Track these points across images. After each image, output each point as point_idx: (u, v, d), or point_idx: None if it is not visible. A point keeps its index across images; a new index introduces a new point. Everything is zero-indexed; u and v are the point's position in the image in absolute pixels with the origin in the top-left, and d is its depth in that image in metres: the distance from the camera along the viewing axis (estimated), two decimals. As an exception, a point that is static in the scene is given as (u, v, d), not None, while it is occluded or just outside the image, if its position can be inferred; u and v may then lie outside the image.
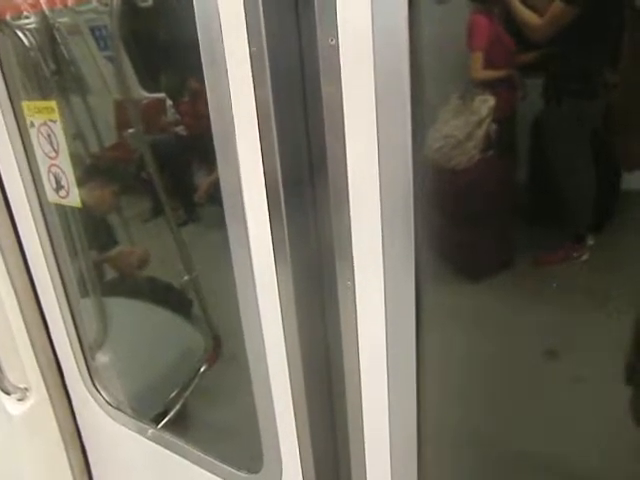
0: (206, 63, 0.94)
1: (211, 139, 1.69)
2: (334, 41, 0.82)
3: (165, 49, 1.57)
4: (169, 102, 1.84)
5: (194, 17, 1.13)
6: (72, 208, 1.52)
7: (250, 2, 0.84)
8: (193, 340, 1.82)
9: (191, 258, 1.81)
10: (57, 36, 1.43)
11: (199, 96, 1.73)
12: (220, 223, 1.84)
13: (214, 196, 1.74)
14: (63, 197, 1.41)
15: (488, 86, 1.00)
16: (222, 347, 1.79)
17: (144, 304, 1.87)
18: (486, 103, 1.00)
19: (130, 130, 1.73)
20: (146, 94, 1.72)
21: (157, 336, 1.82)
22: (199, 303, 1.81)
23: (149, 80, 1.72)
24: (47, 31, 1.40)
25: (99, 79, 1.67)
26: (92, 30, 1.52)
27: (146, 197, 1.94)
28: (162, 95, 1.80)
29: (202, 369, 1.76)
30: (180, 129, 1.95)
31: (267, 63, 0.87)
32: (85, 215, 1.61)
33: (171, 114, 1.88)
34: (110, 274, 1.98)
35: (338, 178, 0.91)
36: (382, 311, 0.97)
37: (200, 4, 0.91)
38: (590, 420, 1.01)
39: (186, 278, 1.81)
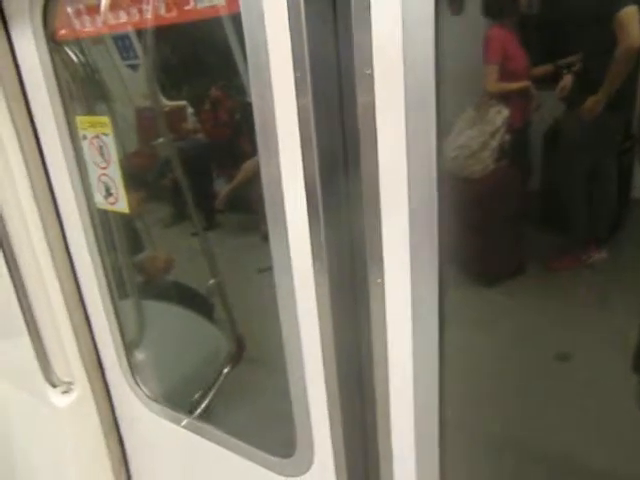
0: (254, 86, 1.04)
1: (232, 146, 1.79)
2: (370, 70, 0.93)
3: (196, 62, 1.67)
4: (190, 110, 1.94)
5: (226, 37, 1.24)
6: (108, 216, 1.64)
7: (295, 33, 0.95)
8: (218, 342, 1.91)
9: (216, 262, 1.90)
10: (82, 45, 1.51)
11: (223, 105, 1.84)
12: (240, 229, 1.93)
13: (234, 202, 1.84)
14: (112, 203, 1.51)
15: (502, 98, 1.05)
16: (245, 349, 1.88)
17: (175, 307, 1.97)
18: (500, 114, 1.05)
19: (160, 139, 1.83)
20: (167, 102, 1.82)
21: (185, 337, 1.92)
22: (224, 307, 1.91)
23: (173, 89, 1.81)
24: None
25: (122, 87, 1.77)
26: (115, 40, 1.60)
27: (168, 203, 2.03)
28: (183, 103, 1.90)
29: (226, 370, 1.86)
30: (201, 136, 2.04)
31: (309, 86, 0.97)
32: (117, 221, 1.71)
33: (192, 122, 1.97)
34: (141, 278, 2.08)
35: (370, 185, 1.01)
36: (409, 307, 1.06)
37: (250, 36, 1.01)
38: (606, 418, 1.06)
39: (212, 282, 1.91)
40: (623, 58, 0.88)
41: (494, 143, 1.07)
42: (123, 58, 1.65)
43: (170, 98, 1.83)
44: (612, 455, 1.08)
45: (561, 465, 1.14)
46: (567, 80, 0.93)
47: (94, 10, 1.30)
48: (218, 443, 1.56)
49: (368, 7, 0.89)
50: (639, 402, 1.03)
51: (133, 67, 1.72)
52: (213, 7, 1.17)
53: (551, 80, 0.95)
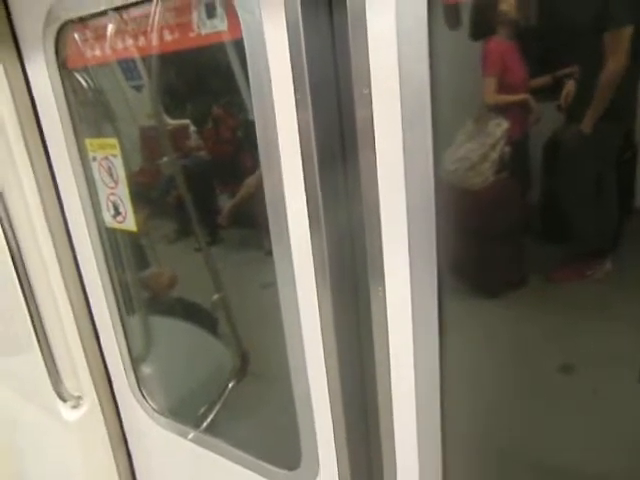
0: (257, 106, 1.09)
1: (234, 163, 1.81)
2: (367, 90, 0.97)
3: (199, 83, 1.72)
4: (192, 128, 1.98)
5: (228, 60, 1.28)
6: (115, 234, 1.68)
7: (295, 56, 0.99)
8: (223, 357, 1.93)
9: (220, 278, 1.92)
10: (91, 70, 1.56)
11: (226, 123, 1.87)
12: (243, 244, 1.95)
13: (237, 218, 1.87)
14: (120, 222, 1.56)
15: (502, 110, 1.04)
16: (250, 363, 1.89)
17: (180, 323, 1.99)
18: (500, 126, 1.04)
19: (165, 158, 1.87)
20: (171, 121, 1.87)
21: (191, 352, 1.94)
22: (228, 322, 1.93)
23: (177, 109, 1.85)
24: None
25: (128, 109, 1.82)
26: (119, 62, 1.61)
27: (172, 220, 2.07)
28: (187, 122, 1.94)
29: (231, 384, 1.87)
30: (205, 154, 2.08)
31: (310, 105, 1.02)
32: (123, 239, 1.75)
33: (195, 140, 2.02)
34: (146, 294, 2.11)
35: (370, 198, 1.04)
36: (409, 319, 1.09)
37: (253, 59, 1.06)
38: (608, 429, 1.05)
39: (215, 297, 1.93)
40: (609, 75, 0.91)
41: (494, 155, 1.07)
42: (127, 79, 1.70)
43: (173, 117, 1.87)
44: (617, 466, 1.07)
45: (565, 476, 1.14)
46: (570, 86, 0.94)
47: (103, 39, 1.36)
48: (224, 456, 1.59)
49: (364, 28, 0.93)
50: None
51: (137, 88, 1.77)
52: (216, 33, 1.22)
53: (550, 91, 0.95)
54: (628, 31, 0.87)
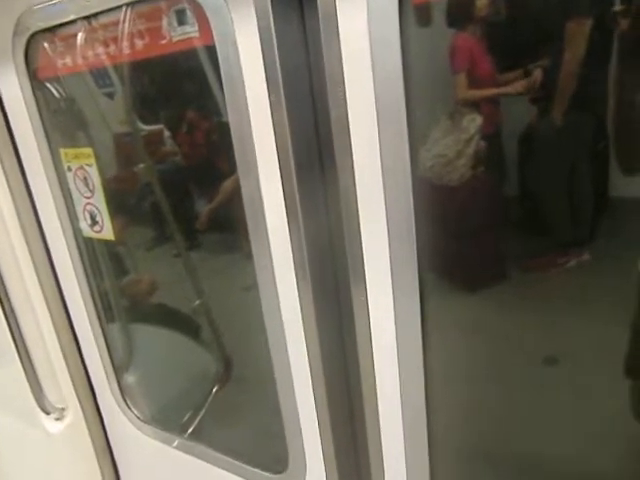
0: (231, 111, 1.09)
1: (210, 167, 1.81)
2: (342, 92, 0.98)
3: (172, 88, 1.71)
4: (167, 133, 1.97)
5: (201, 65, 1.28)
6: (93, 242, 1.66)
7: (269, 59, 1.00)
8: (206, 362, 1.93)
9: (200, 283, 1.91)
10: (63, 80, 1.53)
11: (199, 128, 1.87)
12: (221, 248, 1.94)
13: (214, 222, 1.86)
14: (97, 232, 1.55)
15: (475, 105, 1.05)
16: (233, 368, 1.89)
17: (162, 329, 1.98)
18: (474, 121, 1.05)
19: (140, 164, 1.86)
20: (144, 127, 1.85)
21: (173, 359, 1.93)
22: (210, 327, 1.92)
23: (150, 115, 1.84)
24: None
25: (101, 117, 1.80)
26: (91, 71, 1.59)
27: (149, 226, 2.05)
28: (159, 127, 1.93)
29: (215, 389, 1.86)
30: (178, 159, 2.07)
31: (285, 109, 1.02)
32: (101, 247, 1.74)
33: (169, 145, 2.01)
34: (126, 302, 2.09)
35: (348, 198, 1.05)
36: (392, 316, 1.09)
37: (225, 64, 1.06)
38: (591, 420, 1.07)
39: (197, 303, 1.93)
40: (567, 65, 0.93)
41: (469, 151, 1.09)
42: (99, 86, 1.68)
43: (148, 123, 1.86)
44: (600, 460, 1.08)
45: (553, 473, 1.15)
46: (538, 74, 0.95)
47: (73, 48, 1.35)
48: (210, 462, 1.58)
49: (336, 29, 0.94)
50: (633, 405, 1.02)
51: (109, 95, 1.75)
52: (188, 39, 1.21)
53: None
54: (583, 22, 0.89)
